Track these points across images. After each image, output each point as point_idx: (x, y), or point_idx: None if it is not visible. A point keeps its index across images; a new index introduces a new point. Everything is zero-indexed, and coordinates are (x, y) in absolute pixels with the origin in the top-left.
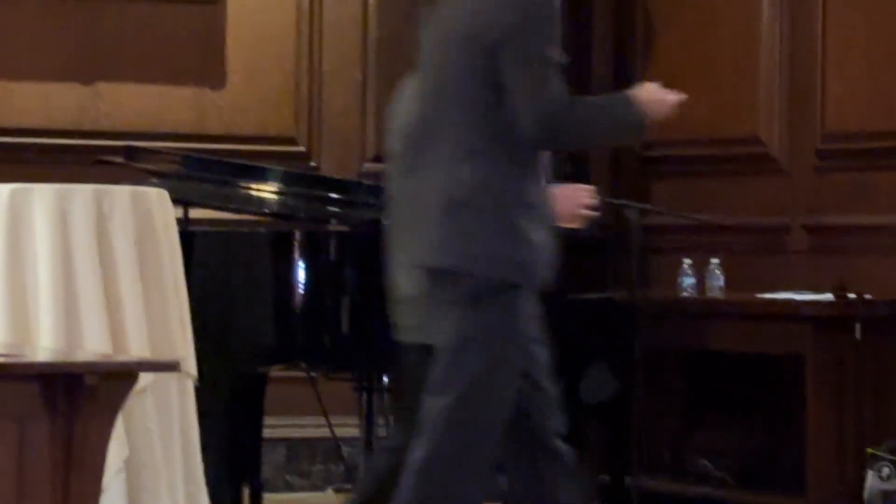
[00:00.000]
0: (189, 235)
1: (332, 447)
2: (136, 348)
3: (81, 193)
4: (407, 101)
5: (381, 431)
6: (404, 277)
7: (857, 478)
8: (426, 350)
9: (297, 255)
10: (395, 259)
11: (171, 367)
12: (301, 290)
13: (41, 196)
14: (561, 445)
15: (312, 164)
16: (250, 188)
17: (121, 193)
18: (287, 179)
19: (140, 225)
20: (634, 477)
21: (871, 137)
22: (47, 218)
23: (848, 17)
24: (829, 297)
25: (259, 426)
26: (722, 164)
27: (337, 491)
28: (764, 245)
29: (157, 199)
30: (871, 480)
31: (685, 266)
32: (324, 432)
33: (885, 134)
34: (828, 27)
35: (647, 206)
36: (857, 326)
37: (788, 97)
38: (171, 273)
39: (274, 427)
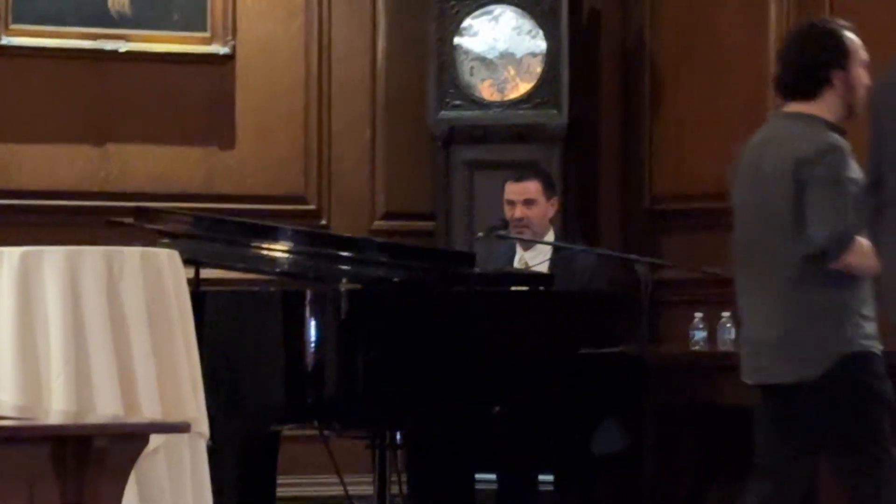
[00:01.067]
0: (200, 296)
1: None
2: (148, 410)
3: (91, 255)
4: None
5: (394, 489)
6: (758, 321)
7: None
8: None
9: (308, 313)
10: (749, 303)
11: (182, 428)
12: (312, 348)
13: (51, 259)
14: None
15: (323, 222)
16: (261, 247)
17: (131, 255)
18: (297, 238)
19: (150, 286)
20: None
21: None
22: (58, 280)
23: None
24: None
25: (272, 485)
26: (731, 216)
27: None
28: None
29: (168, 260)
30: None
31: (696, 320)
32: (337, 490)
33: None
34: None
35: (658, 261)
36: None
37: None
38: (183, 334)
39: (287, 486)
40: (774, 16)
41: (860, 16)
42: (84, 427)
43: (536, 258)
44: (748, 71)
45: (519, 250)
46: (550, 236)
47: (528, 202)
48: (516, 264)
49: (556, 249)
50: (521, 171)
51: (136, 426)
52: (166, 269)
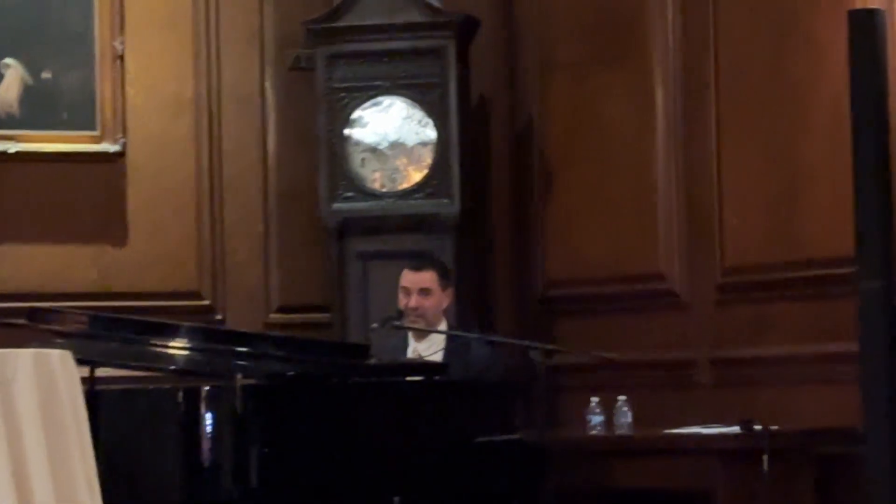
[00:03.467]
0: (95, 395)
1: None
2: None
3: None
4: None
5: None
6: None
7: None
8: None
9: (203, 410)
10: None
11: None
12: (209, 444)
13: None
14: None
15: (218, 317)
16: (156, 345)
17: (23, 357)
18: (192, 334)
19: (44, 388)
20: None
21: (769, 269)
22: None
23: (742, 151)
24: (735, 429)
25: None
26: (625, 301)
27: None
28: (670, 380)
29: (61, 362)
30: None
31: (593, 404)
32: None
33: (783, 265)
34: (722, 161)
35: (553, 347)
36: (765, 458)
37: (687, 232)
38: (77, 433)
39: None
40: (661, 103)
41: (741, 104)
42: None
43: (430, 348)
44: (636, 157)
45: (412, 341)
46: (444, 326)
47: (424, 292)
48: (409, 355)
49: (451, 339)
50: (419, 260)
51: None
52: (59, 370)
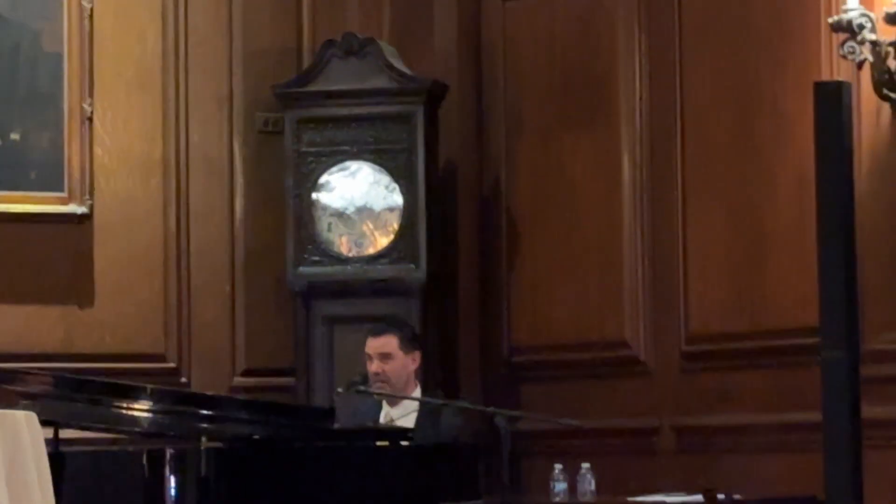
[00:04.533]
0: (60, 456)
1: None
2: None
3: None
4: None
5: None
6: None
7: None
8: None
9: (168, 472)
10: None
11: None
12: None
13: None
14: None
15: (183, 379)
16: (121, 407)
17: None
18: (157, 397)
19: (8, 448)
20: None
21: (733, 337)
22: None
23: (707, 219)
24: (698, 498)
25: None
26: (589, 367)
27: None
28: (633, 447)
29: (25, 422)
30: None
31: (556, 471)
32: None
33: (748, 334)
34: (688, 228)
35: (517, 413)
36: None
37: (652, 299)
38: (41, 495)
39: None
40: (627, 168)
41: (707, 170)
42: None
43: (402, 414)
44: (602, 222)
45: (385, 406)
46: (417, 391)
47: (385, 357)
48: (382, 419)
49: (423, 404)
50: (380, 325)
51: None
52: (24, 430)
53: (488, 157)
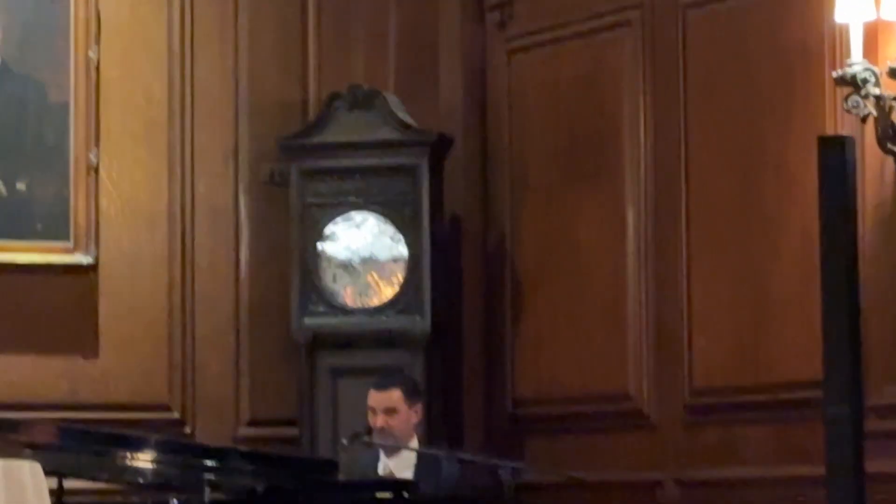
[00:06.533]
0: None
1: None
2: None
3: None
4: None
5: None
6: None
7: None
8: None
9: None
10: None
11: None
12: None
13: None
14: None
15: (187, 430)
16: (125, 457)
17: None
18: (161, 448)
19: (12, 498)
20: None
21: (737, 391)
22: None
23: (712, 274)
24: None
25: None
26: (592, 420)
27: None
28: (637, 501)
29: (30, 473)
30: None
31: None
32: None
33: (752, 388)
34: (692, 284)
35: (520, 465)
36: None
37: (656, 353)
38: None
39: None
40: (632, 226)
41: (711, 228)
42: None
43: (401, 465)
44: (607, 279)
45: (383, 458)
46: (415, 443)
47: (389, 411)
48: (381, 472)
49: (421, 456)
50: (383, 379)
51: None
52: (28, 481)
53: (493, 212)
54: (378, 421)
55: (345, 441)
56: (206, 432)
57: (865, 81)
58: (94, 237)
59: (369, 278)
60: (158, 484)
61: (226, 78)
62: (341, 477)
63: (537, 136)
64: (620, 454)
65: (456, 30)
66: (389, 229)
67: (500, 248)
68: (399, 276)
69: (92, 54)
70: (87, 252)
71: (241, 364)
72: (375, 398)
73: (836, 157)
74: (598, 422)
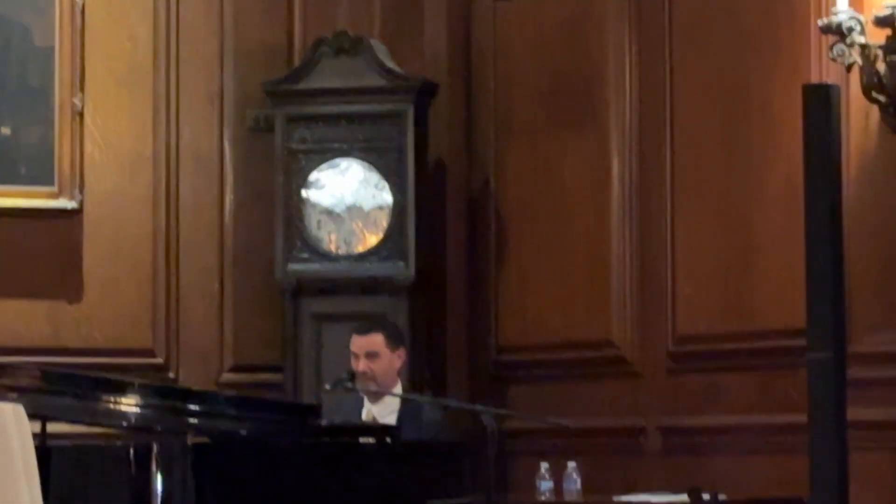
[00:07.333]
0: (46, 450)
1: None
2: None
3: None
4: None
5: None
6: None
7: None
8: None
9: (155, 467)
10: None
11: None
12: (159, 502)
13: None
14: None
15: (171, 375)
16: (108, 401)
17: None
18: (145, 392)
19: None
20: None
21: (721, 339)
22: None
23: (696, 220)
24: (683, 497)
25: None
26: (576, 367)
27: None
28: (619, 447)
29: (13, 415)
30: None
31: (542, 470)
32: None
33: (735, 335)
34: (676, 230)
35: (503, 412)
36: None
37: (640, 300)
38: (27, 488)
39: None
40: (616, 170)
41: (696, 173)
42: None
43: (384, 410)
44: (591, 224)
45: (366, 403)
46: (398, 388)
47: (371, 355)
48: (363, 417)
49: (404, 401)
50: (366, 323)
51: None
52: (11, 424)
53: (477, 158)
54: (360, 365)
55: (328, 386)
56: (189, 377)
57: (851, 30)
58: (78, 182)
59: (354, 225)
60: (142, 428)
61: (211, 22)
62: (324, 422)
63: (522, 81)
64: (604, 401)
65: None
66: (374, 176)
67: (485, 195)
68: (383, 223)
69: None
70: (71, 197)
71: (224, 309)
72: (357, 342)
73: (820, 105)
74: (581, 368)
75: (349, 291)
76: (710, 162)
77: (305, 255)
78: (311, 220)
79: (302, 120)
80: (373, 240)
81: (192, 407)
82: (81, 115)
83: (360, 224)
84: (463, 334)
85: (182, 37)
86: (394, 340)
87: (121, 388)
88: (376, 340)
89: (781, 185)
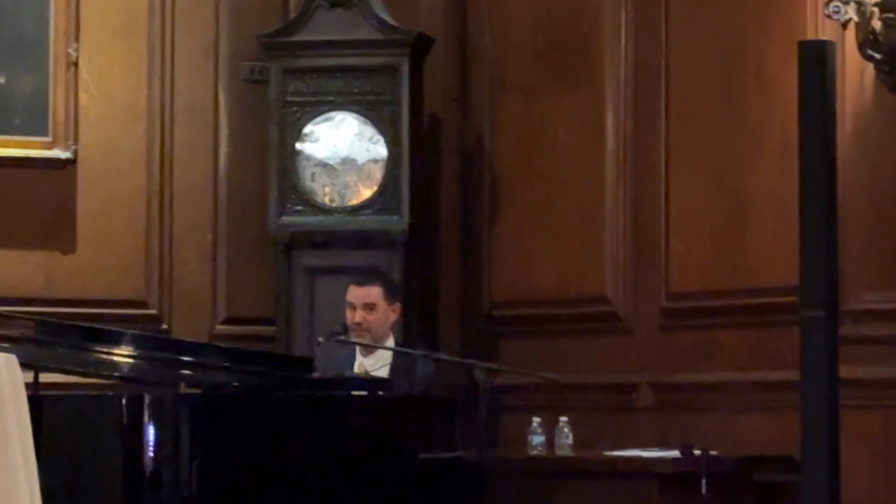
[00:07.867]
0: (39, 400)
1: None
2: None
3: None
4: None
5: None
6: None
7: None
8: None
9: (146, 418)
10: None
11: None
12: (151, 453)
13: None
14: None
15: (163, 326)
16: (101, 352)
17: None
18: (138, 343)
19: None
20: None
21: (714, 296)
22: None
23: (690, 178)
24: (675, 453)
25: None
26: (569, 323)
27: None
28: (611, 403)
29: (5, 365)
30: None
31: (534, 425)
32: None
33: (728, 292)
34: (671, 187)
35: (495, 366)
36: (703, 482)
37: (633, 257)
38: (20, 438)
39: None
40: (611, 128)
41: (691, 131)
42: None
43: (376, 364)
44: (585, 180)
45: (358, 356)
46: (391, 342)
47: (369, 307)
48: (356, 370)
49: (397, 355)
50: (364, 275)
51: None
52: (4, 373)
53: (472, 114)
54: (356, 316)
55: (321, 339)
56: (182, 329)
57: None
58: (73, 132)
59: (348, 178)
60: (134, 379)
61: None
62: (316, 375)
63: (516, 38)
64: (596, 357)
65: None
66: (369, 130)
67: (479, 149)
68: (377, 177)
69: None
70: (65, 147)
71: (218, 261)
72: (355, 293)
73: (816, 61)
74: (574, 324)
75: (343, 245)
76: (704, 119)
77: (299, 208)
78: (306, 173)
79: (297, 72)
80: (367, 193)
81: (185, 358)
82: (76, 65)
83: (355, 177)
84: (456, 289)
85: None
86: (391, 294)
87: (113, 339)
88: (374, 292)
89: (776, 143)
